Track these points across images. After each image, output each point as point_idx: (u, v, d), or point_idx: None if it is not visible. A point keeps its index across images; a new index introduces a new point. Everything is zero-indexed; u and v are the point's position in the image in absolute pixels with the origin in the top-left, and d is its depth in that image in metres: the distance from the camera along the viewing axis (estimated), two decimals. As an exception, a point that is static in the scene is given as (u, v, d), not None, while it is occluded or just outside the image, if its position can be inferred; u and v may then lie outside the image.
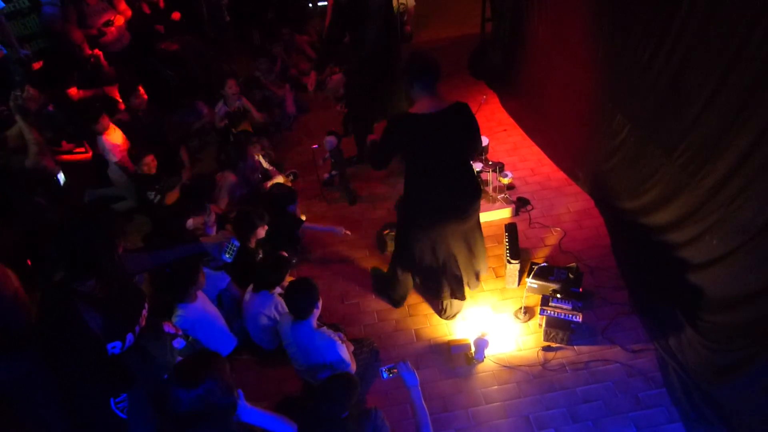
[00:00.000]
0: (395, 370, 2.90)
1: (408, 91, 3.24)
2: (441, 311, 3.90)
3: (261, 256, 4.09)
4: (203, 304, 3.45)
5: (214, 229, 4.13)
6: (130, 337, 2.30)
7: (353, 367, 3.24)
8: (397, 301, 4.03)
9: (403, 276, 3.83)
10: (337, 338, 3.18)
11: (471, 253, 3.62)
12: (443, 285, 3.69)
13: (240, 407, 2.31)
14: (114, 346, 2.24)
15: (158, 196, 4.66)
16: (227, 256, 2.75)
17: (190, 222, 3.95)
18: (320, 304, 3.20)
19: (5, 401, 2.79)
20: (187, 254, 2.85)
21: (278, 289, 3.70)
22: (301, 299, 3.14)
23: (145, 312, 2.42)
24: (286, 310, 3.55)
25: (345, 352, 3.18)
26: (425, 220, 3.40)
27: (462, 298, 3.83)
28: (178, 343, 2.98)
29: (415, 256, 3.56)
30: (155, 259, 2.71)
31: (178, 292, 3.32)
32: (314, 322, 3.19)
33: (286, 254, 3.90)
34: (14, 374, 2.82)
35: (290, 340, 3.25)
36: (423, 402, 2.85)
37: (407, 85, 3.20)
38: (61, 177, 3.48)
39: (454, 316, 3.90)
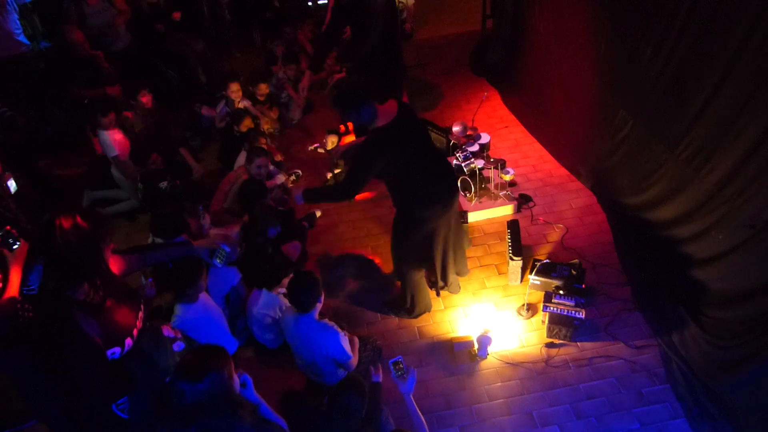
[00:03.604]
0: (401, 366, 2.88)
1: (356, 121, 3.21)
2: (440, 288, 4.01)
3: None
4: (205, 304, 3.45)
5: (209, 229, 4.15)
6: (128, 341, 2.29)
7: (355, 361, 3.25)
8: (420, 314, 3.96)
9: (423, 289, 3.84)
10: (339, 329, 3.19)
11: (460, 230, 3.84)
12: (449, 268, 3.84)
13: (247, 392, 2.34)
14: (113, 352, 2.24)
15: (169, 185, 4.66)
16: (218, 261, 2.74)
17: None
18: (323, 297, 3.22)
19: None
20: (177, 256, 2.84)
21: (281, 289, 3.70)
22: (304, 293, 3.16)
23: (141, 314, 2.41)
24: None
25: (347, 343, 3.20)
26: (434, 213, 3.41)
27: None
28: (178, 346, 2.98)
29: (433, 256, 3.62)
30: (146, 260, 2.70)
31: (177, 291, 3.33)
32: (316, 314, 3.21)
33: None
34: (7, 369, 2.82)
35: (293, 334, 3.26)
36: (417, 408, 2.84)
37: (356, 119, 3.18)
38: (11, 184, 3.40)
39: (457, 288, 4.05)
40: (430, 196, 3.37)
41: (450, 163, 3.53)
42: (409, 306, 3.90)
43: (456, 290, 4.04)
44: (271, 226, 3.95)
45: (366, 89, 3.14)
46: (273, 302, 3.63)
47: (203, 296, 3.46)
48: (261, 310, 3.61)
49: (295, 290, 3.18)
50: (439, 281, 3.90)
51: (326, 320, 3.23)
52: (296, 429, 2.74)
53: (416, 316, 3.93)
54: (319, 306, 3.20)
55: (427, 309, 3.96)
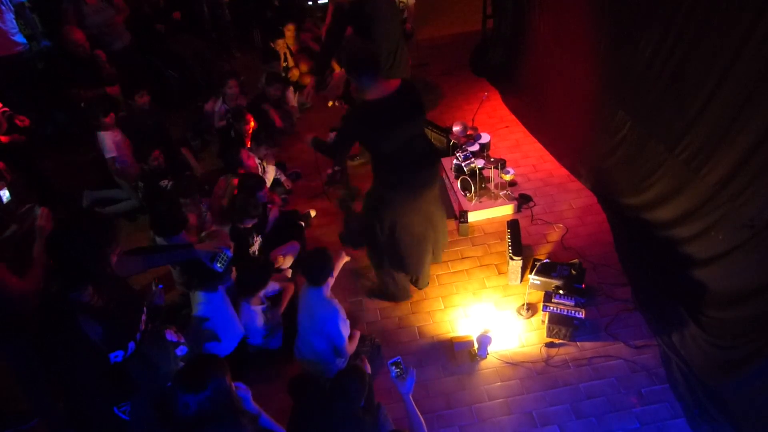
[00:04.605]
0: (401, 367, 2.89)
1: (356, 84, 3.37)
2: (415, 281, 4.07)
3: (257, 252, 4.10)
4: (222, 295, 3.48)
5: (210, 225, 4.16)
6: (131, 345, 2.29)
7: (350, 348, 3.31)
8: (402, 296, 4.04)
9: (398, 273, 3.88)
10: (343, 313, 3.25)
11: (441, 222, 3.88)
12: (423, 259, 3.87)
13: (245, 401, 2.34)
14: (116, 355, 2.24)
15: (170, 184, 4.66)
16: (219, 265, 2.74)
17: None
18: (335, 274, 3.30)
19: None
20: (179, 260, 2.84)
21: (261, 300, 3.72)
22: (316, 267, 3.24)
23: (144, 317, 2.41)
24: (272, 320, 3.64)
25: (346, 327, 3.25)
26: (406, 194, 3.51)
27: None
28: (181, 350, 2.98)
29: (401, 239, 3.66)
30: (148, 262, 2.70)
31: (208, 281, 3.35)
32: (327, 290, 3.27)
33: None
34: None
35: (302, 304, 3.35)
36: (416, 409, 2.86)
37: (354, 81, 3.36)
38: (4, 194, 3.42)
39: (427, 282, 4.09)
40: (400, 180, 3.45)
41: (436, 157, 3.57)
42: (390, 294, 4.00)
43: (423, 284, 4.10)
44: (248, 216, 3.96)
45: (373, 61, 3.27)
46: (250, 316, 3.61)
47: (220, 287, 3.48)
48: (248, 323, 3.62)
49: (310, 265, 3.28)
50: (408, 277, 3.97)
51: (335, 301, 3.28)
52: (301, 410, 2.75)
53: (398, 301, 4.03)
54: (330, 281, 3.28)
55: (407, 296, 4.04)
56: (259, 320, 3.61)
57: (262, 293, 3.68)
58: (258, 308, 3.62)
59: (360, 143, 3.53)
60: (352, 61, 3.31)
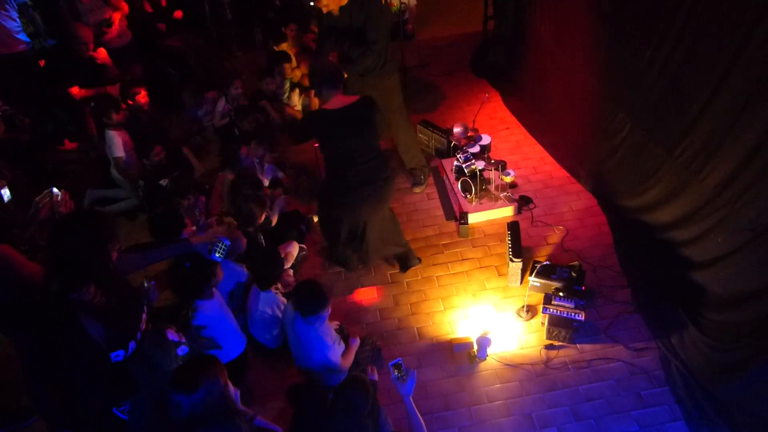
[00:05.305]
0: (401, 368, 2.88)
1: (318, 94, 3.67)
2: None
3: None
4: (219, 301, 3.47)
5: (207, 224, 4.17)
6: (132, 344, 2.29)
7: (345, 365, 3.28)
8: (351, 266, 4.32)
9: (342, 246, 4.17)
10: (332, 342, 3.21)
11: (382, 238, 4.05)
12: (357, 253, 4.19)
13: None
14: (117, 355, 2.24)
15: (170, 183, 4.66)
16: (217, 255, 2.74)
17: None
18: (328, 309, 3.21)
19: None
20: (178, 254, 2.85)
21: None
22: (307, 301, 3.17)
23: (144, 316, 2.41)
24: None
25: (336, 355, 3.22)
26: (341, 198, 3.76)
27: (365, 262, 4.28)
28: (182, 350, 2.98)
29: (336, 230, 3.98)
30: (147, 259, 2.70)
31: (198, 289, 3.32)
32: (317, 322, 3.20)
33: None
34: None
35: (290, 327, 3.32)
36: (416, 411, 2.85)
37: (317, 90, 3.64)
38: (5, 193, 3.42)
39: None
40: (334, 189, 3.78)
41: (384, 182, 3.74)
42: (330, 256, 4.35)
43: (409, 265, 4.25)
44: (256, 216, 3.97)
45: (336, 76, 3.51)
46: (271, 300, 3.63)
47: (217, 294, 3.48)
48: (260, 308, 3.62)
49: (300, 297, 3.21)
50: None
51: (324, 326, 3.23)
52: (302, 421, 2.74)
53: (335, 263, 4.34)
54: (322, 318, 3.20)
55: (344, 265, 4.32)
56: (281, 306, 3.62)
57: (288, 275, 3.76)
58: (279, 294, 3.67)
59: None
60: (315, 73, 3.58)
